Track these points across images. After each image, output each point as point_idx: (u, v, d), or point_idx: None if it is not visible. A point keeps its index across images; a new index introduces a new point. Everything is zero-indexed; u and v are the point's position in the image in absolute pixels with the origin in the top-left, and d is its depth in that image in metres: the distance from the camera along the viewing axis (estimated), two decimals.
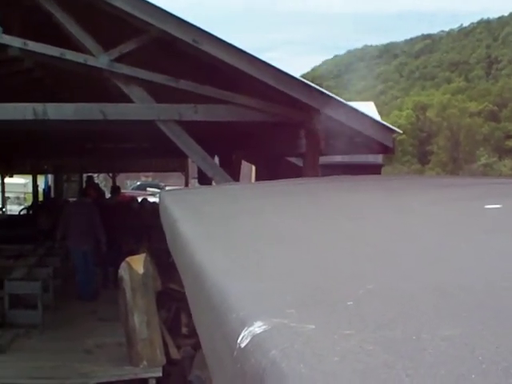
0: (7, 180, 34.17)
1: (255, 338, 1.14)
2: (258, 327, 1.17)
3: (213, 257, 1.97)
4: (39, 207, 26.94)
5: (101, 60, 9.85)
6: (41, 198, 31.59)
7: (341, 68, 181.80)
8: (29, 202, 33.63)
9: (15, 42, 9.86)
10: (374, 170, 24.05)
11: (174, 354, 11.08)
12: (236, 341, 1.18)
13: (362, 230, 2.45)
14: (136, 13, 9.37)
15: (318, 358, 1.03)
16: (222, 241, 2.37)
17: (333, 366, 1.00)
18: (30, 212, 27.31)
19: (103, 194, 27.40)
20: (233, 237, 2.46)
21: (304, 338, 1.11)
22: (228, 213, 3.41)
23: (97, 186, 27.07)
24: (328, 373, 0.98)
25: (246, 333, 1.17)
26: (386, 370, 0.98)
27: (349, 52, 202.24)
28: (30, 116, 9.82)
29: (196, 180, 27.18)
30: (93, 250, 15.50)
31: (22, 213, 29.20)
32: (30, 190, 32.95)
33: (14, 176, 36.44)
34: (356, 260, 1.82)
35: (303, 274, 1.64)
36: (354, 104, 11.85)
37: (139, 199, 27.35)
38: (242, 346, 1.15)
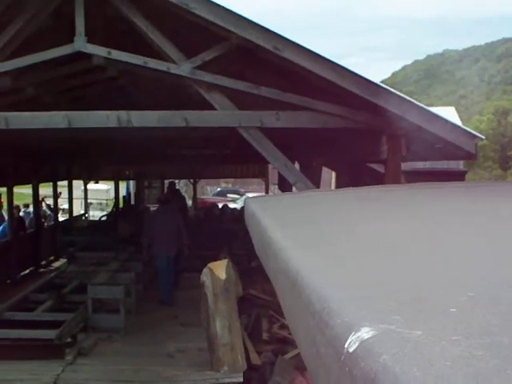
0: (90, 186, 34.74)
1: (363, 343, 1.16)
2: (365, 332, 1.18)
3: (309, 263, 1.99)
4: (120, 214, 27.33)
5: (183, 68, 9.96)
6: (122, 204, 32.01)
7: (421, 73, 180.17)
8: (110, 208, 34.11)
9: (99, 50, 10.04)
10: (456, 176, 23.67)
11: (255, 359, 11.12)
12: (343, 345, 1.20)
13: (455, 236, 2.44)
14: (217, 21, 9.45)
15: (430, 363, 1.04)
16: (315, 247, 2.39)
17: (445, 371, 1.01)
18: (111, 219, 27.68)
19: (184, 199, 27.78)
20: (326, 243, 2.48)
21: (412, 343, 1.13)
22: (317, 219, 3.42)
23: (176, 192, 27.45)
24: (441, 377, 0.99)
25: (353, 338, 1.19)
26: (498, 374, 0.99)
27: (429, 57, 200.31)
28: (114, 123, 9.98)
29: (276, 186, 27.26)
30: (176, 255, 15.74)
31: (102, 219, 29.63)
32: (112, 196, 33.42)
33: (96, 182, 37.09)
34: (452, 267, 1.82)
35: (402, 280, 1.65)
36: (434, 109, 11.74)
37: (220, 205, 27.60)
38: (351, 350, 1.17)
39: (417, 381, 0.99)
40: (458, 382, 0.98)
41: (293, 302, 1.89)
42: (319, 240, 2.59)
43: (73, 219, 28.22)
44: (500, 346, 1.11)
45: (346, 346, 1.19)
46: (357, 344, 1.16)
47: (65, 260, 20.41)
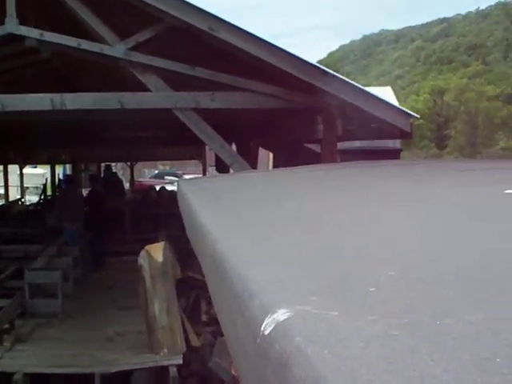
0: (26, 170, 34.25)
1: (279, 325, 1.14)
2: (281, 314, 1.17)
3: (234, 244, 1.97)
4: (49, 202, 26.64)
5: (117, 49, 9.87)
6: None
7: (357, 53, 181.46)
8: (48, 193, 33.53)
9: (32, 32, 9.90)
10: (392, 155, 23.98)
11: (194, 341, 11.13)
12: (259, 328, 1.18)
13: (384, 215, 2.44)
14: (151, 1, 9.37)
15: (343, 344, 1.03)
16: (242, 229, 2.38)
17: (358, 352, 1.00)
18: (39, 207, 26.61)
19: (121, 182, 27.62)
20: (254, 224, 2.46)
21: (328, 324, 1.12)
22: (248, 201, 3.41)
23: (113, 174, 27.28)
24: (353, 358, 0.98)
25: (269, 320, 1.17)
26: (410, 354, 0.99)
27: (365, 37, 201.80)
28: (47, 106, 9.85)
29: (214, 168, 27.22)
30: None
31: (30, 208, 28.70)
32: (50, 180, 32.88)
33: (30, 166, 36.56)
34: (378, 246, 1.82)
35: (324, 260, 1.64)
36: (371, 89, 11.83)
37: (157, 188, 27.44)
38: (266, 333, 1.15)
39: (328, 363, 0.97)
40: (369, 362, 0.97)
41: (217, 285, 1.87)
42: (248, 221, 2.57)
43: (9, 204, 27.76)
44: (416, 325, 1.11)
45: (262, 328, 1.17)
46: (272, 326, 1.15)
47: None
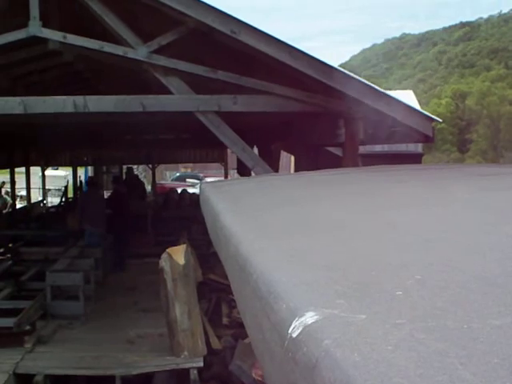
0: (48, 172, 34.36)
1: (307, 328, 1.15)
2: (309, 317, 1.17)
3: (257, 246, 1.97)
4: (70, 204, 26.63)
5: (140, 52, 9.89)
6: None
7: (379, 57, 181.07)
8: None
9: (55, 35, 9.92)
10: (414, 159, 23.81)
11: (215, 344, 11.13)
12: (287, 331, 1.19)
13: (407, 219, 2.44)
14: (173, 4, 9.39)
15: (371, 347, 1.03)
16: (265, 231, 2.38)
17: (386, 355, 1.00)
18: (60, 209, 26.62)
19: (142, 184, 27.69)
20: (276, 227, 2.46)
21: (356, 327, 1.12)
22: (270, 203, 3.41)
23: (135, 177, 27.30)
24: (382, 361, 0.98)
25: (297, 323, 1.18)
26: (439, 358, 0.99)
27: (387, 41, 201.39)
28: (70, 109, 9.88)
29: (235, 171, 27.21)
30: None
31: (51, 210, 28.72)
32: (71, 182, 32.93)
33: (52, 168, 36.66)
34: (403, 250, 1.81)
35: (350, 264, 1.64)
36: (392, 93, 11.80)
37: (179, 190, 27.45)
38: (294, 335, 1.15)
39: (357, 366, 0.98)
40: (398, 365, 0.97)
41: (242, 287, 1.88)
42: (272, 224, 2.57)
43: (30, 206, 27.86)
44: (443, 329, 1.11)
45: (289, 331, 1.18)
46: (300, 329, 1.15)
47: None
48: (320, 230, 2.27)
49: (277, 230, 2.39)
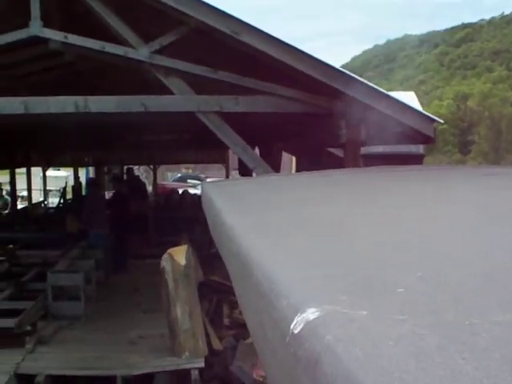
0: (49, 173, 34.35)
1: (309, 324, 1.15)
2: (311, 313, 1.18)
3: (260, 245, 1.98)
4: (69, 206, 26.45)
5: (141, 52, 9.90)
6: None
7: (381, 58, 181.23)
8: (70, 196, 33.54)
9: (56, 35, 9.93)
10: (415, 160, 23.86)
11: (216, 344, 11.14)
12: (289, 327, 1.19)
13: (409, 218, 2.44)
14: (175, 4, 9.39)
15: (373, 343, 1.04)
16: (268, 230, 2.38)
17: (388, 350, 1.01)
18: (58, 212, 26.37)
19: (144, 184, 27.65)
20: (278, 225, 2.46)
21: (357, 323, 1.12)
22: (272, 203, 3.41)
23: (135, 178, 27.28)
24: (383, 356, 0.99)
25: (299, 319, 1.18)
26: (440, 353, 0.99)
27: (389, 41, 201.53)
28: (71, 109, 9.89)
29: (237, 171, 27.20)
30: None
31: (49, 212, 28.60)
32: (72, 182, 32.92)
33: (54, 169, 36.66)
34: (404, 248, 1.82)
35: (352, 261, 1.65)
36: (394, 94, 11.79)
37: (180, 191, 27.46)
38: (296, 331, 1.16)
39: (359, 361, 0.98)
40: (400, 361, 0.97)
41: (243, 285, 1.88)
42: (274, 222, 2.58)
43: (31, 207, 27.86)
44: (444, 325, 1.11)
45: (291, 327, 1.18)
46: (302, 325, 1.16)
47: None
48: (322, 229, 2.27)
49: (279, 228, 2.39)
